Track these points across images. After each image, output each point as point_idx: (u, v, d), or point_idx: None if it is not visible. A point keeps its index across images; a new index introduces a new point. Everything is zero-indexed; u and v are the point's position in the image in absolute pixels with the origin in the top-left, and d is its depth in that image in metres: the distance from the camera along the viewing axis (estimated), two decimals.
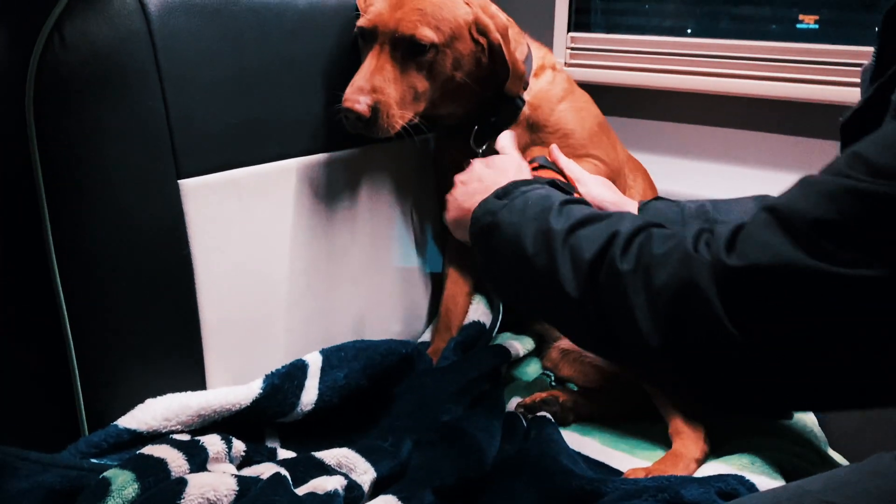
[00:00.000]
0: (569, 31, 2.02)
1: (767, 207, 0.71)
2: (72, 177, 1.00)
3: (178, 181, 1.10)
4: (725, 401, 0.79)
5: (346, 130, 1.29)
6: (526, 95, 1.44)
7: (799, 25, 1.78)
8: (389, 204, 1.54)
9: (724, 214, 1.12)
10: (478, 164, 1.16)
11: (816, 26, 1.76)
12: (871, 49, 1.56)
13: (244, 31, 1.18)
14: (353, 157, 1.40)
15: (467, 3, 1.31)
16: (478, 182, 1.10)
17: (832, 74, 1.66)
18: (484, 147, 1.45)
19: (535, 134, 1.46)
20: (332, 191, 1.38)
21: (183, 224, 1.11)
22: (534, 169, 1.18)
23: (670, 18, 2.00)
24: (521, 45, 1.45)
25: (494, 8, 1.38)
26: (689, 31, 1.95)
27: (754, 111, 1.84)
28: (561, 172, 1.17)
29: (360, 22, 1.28)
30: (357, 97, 1.23)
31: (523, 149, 1.45)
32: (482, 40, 1.33)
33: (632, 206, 1.18)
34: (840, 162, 0.68)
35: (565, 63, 2.02)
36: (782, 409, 0.83)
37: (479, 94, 1.39)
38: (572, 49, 2.02)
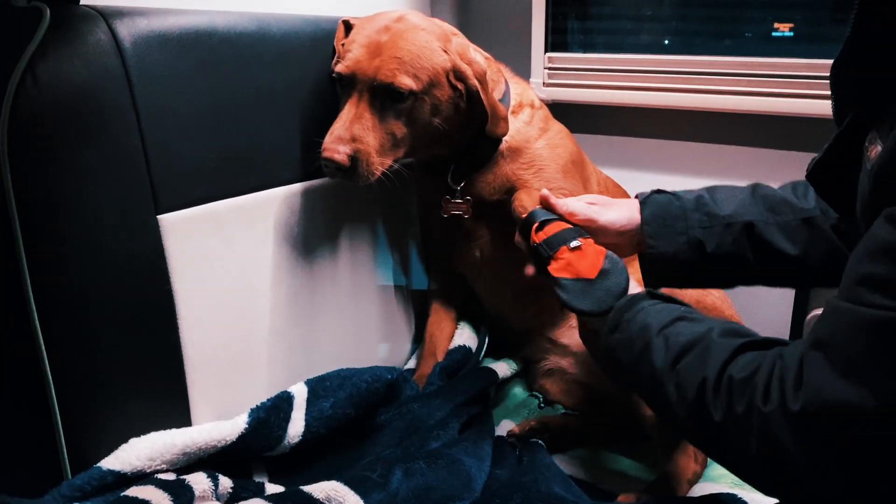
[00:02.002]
0: (546, 51, 2.03)
1: (813, 344, 0.73)
2: (48, 216, 0.99)
3: (158, 216, 1.09)
4: None
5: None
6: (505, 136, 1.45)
7: (774, 33, 1.80)
8: (371, 230, 1.54)
9: (722, 206, 1.14)
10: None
11: (791, 34, 1.78)
12: None
13: (220, 64, 1.17)
14: (333, 185, 1.39)
15: (445, 51, 1.31)
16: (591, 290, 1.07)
17: (808, 88, 1.67)
18: (462, 184, 1.46)
19: (511, 165, 1.47)
20: (313, 219, 1.37)
21: (163, 259, 1.10)
22: (538, 229, 1.16)
23: (646, 36, 2.01)
24: (499, 85, 1.45)
25: (473, 51, 1.38)
26: (665, 42, 1.96)
27: (732, 126, 1.85)
28: (562, 217, 1.16)
29: (339, 68, 1.28)
30: (336, 147, 1.23)
31: (503, 182, 1.46)
32: (460, 86, 1.33)
33: (633, 204, 1.19)
34: (852, 284, 0.71)
35: (543, 83, 2.03)
36: None
37: (458, 137, 1.39)
38: (550, 69, 2.03)
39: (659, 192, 1.19)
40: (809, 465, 0.71)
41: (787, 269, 1.12)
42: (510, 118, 1.44)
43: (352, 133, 1.24)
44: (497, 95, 1.41)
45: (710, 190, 1.18)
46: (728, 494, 1.14)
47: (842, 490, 0.70)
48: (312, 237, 1.37)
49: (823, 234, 1.09)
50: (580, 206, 1.17)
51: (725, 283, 1.21)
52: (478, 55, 1.39)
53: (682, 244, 1.13)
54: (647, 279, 1.18)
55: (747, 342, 0.84)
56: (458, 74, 1.32)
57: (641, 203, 1.17)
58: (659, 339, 0.91)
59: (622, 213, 1.18)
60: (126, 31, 1.04)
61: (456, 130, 1.37)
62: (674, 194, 1.18)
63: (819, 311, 1.56)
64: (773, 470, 0.75)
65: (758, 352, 0.82)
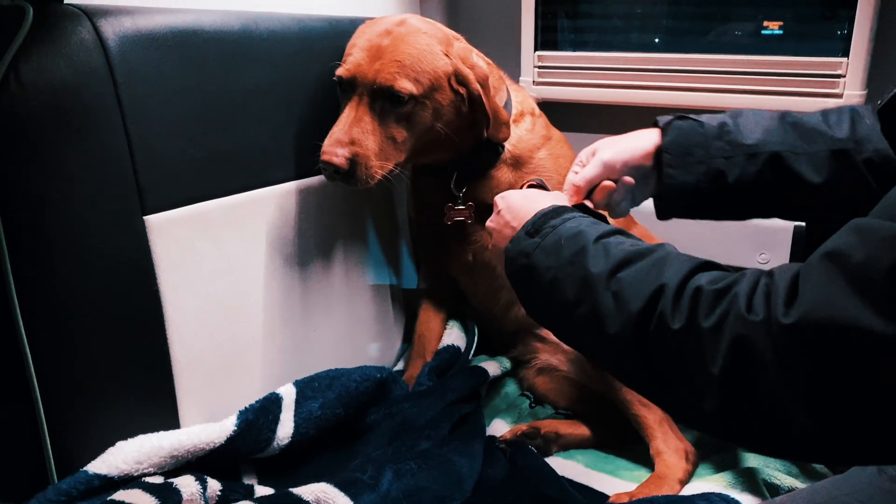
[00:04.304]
0: (536, 49, 2.02)
1: (827, 254, 0.64)
2: (33, 217, 0.98)
3: (144, 217, 1.08)
4: (785, 457, 0.74)
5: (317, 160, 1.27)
6: (507, 143, 1.44)
7: (764, 31, 1.80)
8: (361, 229, 1.53)
9: (747, 134, 1.08)
10: (513, 193, 1.10)
11: (781, 31, 1.78)
12: (836, 59, 1.60)
13: (207, 63, 1.16)
14: (324, 184, 1.39)
15: (446, 55, 1.31)
16: (508, 212, 1.04)
17: (799, 85, 1.67)
18: (464, 190, 1.45)
19: (514, 174, 1.47)
20: (302, 219, 1.37)
21: (150, 261, 1.09)
22: (530, 187, 1.17)
23: (636, 34, 2.01)
24: (500, 92, 1.44)
25: (475, 56, 1.37)
26: (656, 40, 1.96)
27: None
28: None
29: (339, 71, 1.28)
30: (335, 150, 1.22)
31: (505, 190, 1.45)
32: (462, 90, 1.32)
33: (651, 133, 1.12)
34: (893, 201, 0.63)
35: (533, 82, 2.02)
36: (851, 463, 0.79)
37: (460, 142, 1.39)
38: (540, 68, 2.02)
39: (682, 117, 1.12)
40: (786, 389, 0.64)
41: (810, 201, 1.07)
42: (512, 127, 1.44)
43: (351, 136, 1.23)
44: (499, 102, 1.41)
45: (735, 115, 1.11)
46: (720, 494, 1.14)
47: (814, 426, 0.63)
48: (301, 237, 1.37)
49: (854, 167, 1.03)
50: (595, 168, 1.12)
51: (741, 215, 1.14)
52: (480, 60, 1.38)
53: (701, 174, 1.08)
54: (659, 207, 1.13)
55: (708, 261, 0.78)
56: (460, 78, 1.31)
57: (663, 129, 1.11)
58: (597, 246, 0.84)
59: (640, 140, 1.12)
60: (111, 29, 1.03)
61: (457, 135, 1.36)
62: (697, 120, 1.11)
63: None
64: (734, 394, 0.68)
65: (722, 272, 0.76)
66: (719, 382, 0.68)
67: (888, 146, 1.01)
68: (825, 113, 1.09)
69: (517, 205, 1.02)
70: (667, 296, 0.74)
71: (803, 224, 1.62)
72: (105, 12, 1.04)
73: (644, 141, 1.11)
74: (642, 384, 0.80)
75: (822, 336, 0.61)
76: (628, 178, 1.10)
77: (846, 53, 1.61)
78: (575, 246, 0.86)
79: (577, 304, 0.83)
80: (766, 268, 1.70)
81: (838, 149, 1.04)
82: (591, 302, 0.81)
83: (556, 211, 0.94)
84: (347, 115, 1.25)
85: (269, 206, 1.30)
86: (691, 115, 1.12)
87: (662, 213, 1.13)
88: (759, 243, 1.73)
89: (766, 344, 0.65)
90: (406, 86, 1.25)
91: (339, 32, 1.39)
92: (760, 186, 1.06)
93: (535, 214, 0.95)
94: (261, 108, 1.27)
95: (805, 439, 0.65)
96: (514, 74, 2.02)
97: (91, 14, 1.02)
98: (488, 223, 1.07)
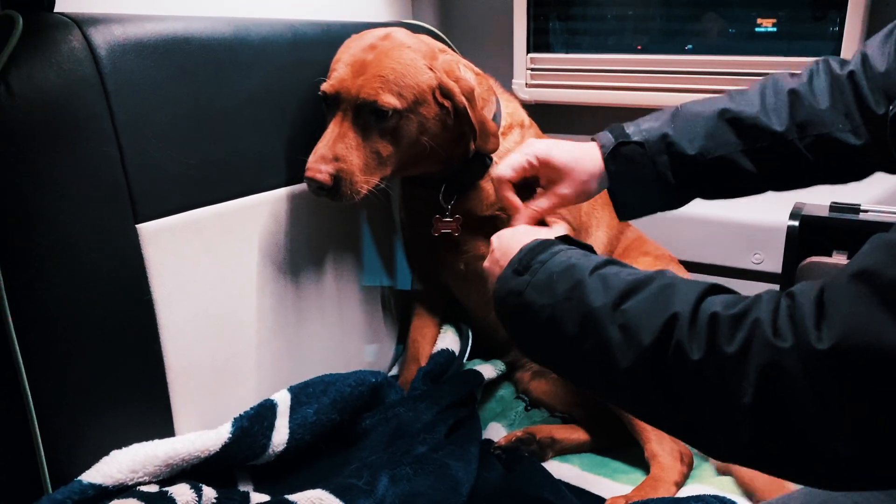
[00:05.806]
0: (528, 52, 2.02)
1: (857, 274, 0.63)
2: (24, 228, 0.97)
3: (137, 226, 1.08)
4: (823, 486, 0.71)
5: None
6: (494, 155, 1.44)
7: (757, 29, 1.81)
8: (354, 234, 1.53)
9: (687, 143, 1.08)
10: (505, 231, 1.07)
11: (774, 29, 1.79)
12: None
13: (198, 70, 1.16)
14: None
15: (430, 68, 1.30)
16: (498, 251, 1.01)
17: None
18: (452, 202, 1.45)
19: None
20: (295, 225, 1.37)
21: (143, 269, 1.09)
22: None
23: (629, 35, 2.01)
24: (489, 104, 1.44)
25: (462, 68, 1.37)
26: (648, 40, 1.97)
27: None
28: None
29: (323, 87, 1.28)
30: (319, 166, 1.22)
31: (494, 202, 1.45)
32: (447, 103, 1.32)
33: (594, 154, 1.12)
34: None
35: (525, 84, 2.03)
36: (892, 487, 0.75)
37: (448, 154, 1.38)
38: (532, 70, 2.03)
39: (622, 143, 1.11)
40: (822, 416, 0.62)
41: (749, 186, 1.10)
42: (500, 139, 1.43)
43: (335, 152, 1.23)
44: (488, 114, 1.40)
45: (674, 118, 1.12)
46: (716, 496, 1.14)
47: (854, 452, 0.61)
48: (294, 242, 1.37)
49: (796, 154, 1.05)
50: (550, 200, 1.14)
51: (684, 204, 1.16)
52: (467, 72, 1.38)
53: (652, 192, 1.10)
54: (618, 214, 1.18)
55: (714, 285, 0.76)
56: (445, 91, 1.31)
57: (606, 159, 1.11)
58: (594, 278, 0.82)
59: (588, 162, 1.12)
60: (101, 38, 1.03)
61: (444, 148, 1.36)
62: (638, 143, 1.11)
63: (815, 259, 1.55)
64: (769, 423, 0.65)
65: (732, 295, 0.74)
66: (752, 413, 0.66)
67: (830, 129, 1.03)
68: (762, 94, 1.10)
69: (505, 243, 1.00)
70: (681, 325, 0.72)
71: (797, 224, 1.62)
72: (95, 21, 1.04)
73: (594, 165, 1.12)
74: (662, 418, 0.78)
75: (859, 361, 0.60)
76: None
77: (837, 53, 1.62)
78: (569, 280, 0.84)
79: (581, 340, 0.80)
80: (760, 268, 1.72)
81: (778, 142, 1.06)
82: (596, 337, 0.78)
83: (543, 245, 0.92)
84: (332, 130, 1.25)
85: (262, 213, 1.30)
86: (631, 136, 1.12)
87: (622, 218, 1.19)
88: (753, 243, 1.73)
89: (798, 370, 0.63)
90: (389, 100, 1.25)
91: (331, 38, 1.38)
92: (704, 185, 1.11)
93: (520, 250, 0.93)
94: (253, 115, 1.27)
95: (844, 466, 0.64)
96: (508, 76, 2.02)
97: (81, 23, 1.02)
98: (484, 264, 1.05)
